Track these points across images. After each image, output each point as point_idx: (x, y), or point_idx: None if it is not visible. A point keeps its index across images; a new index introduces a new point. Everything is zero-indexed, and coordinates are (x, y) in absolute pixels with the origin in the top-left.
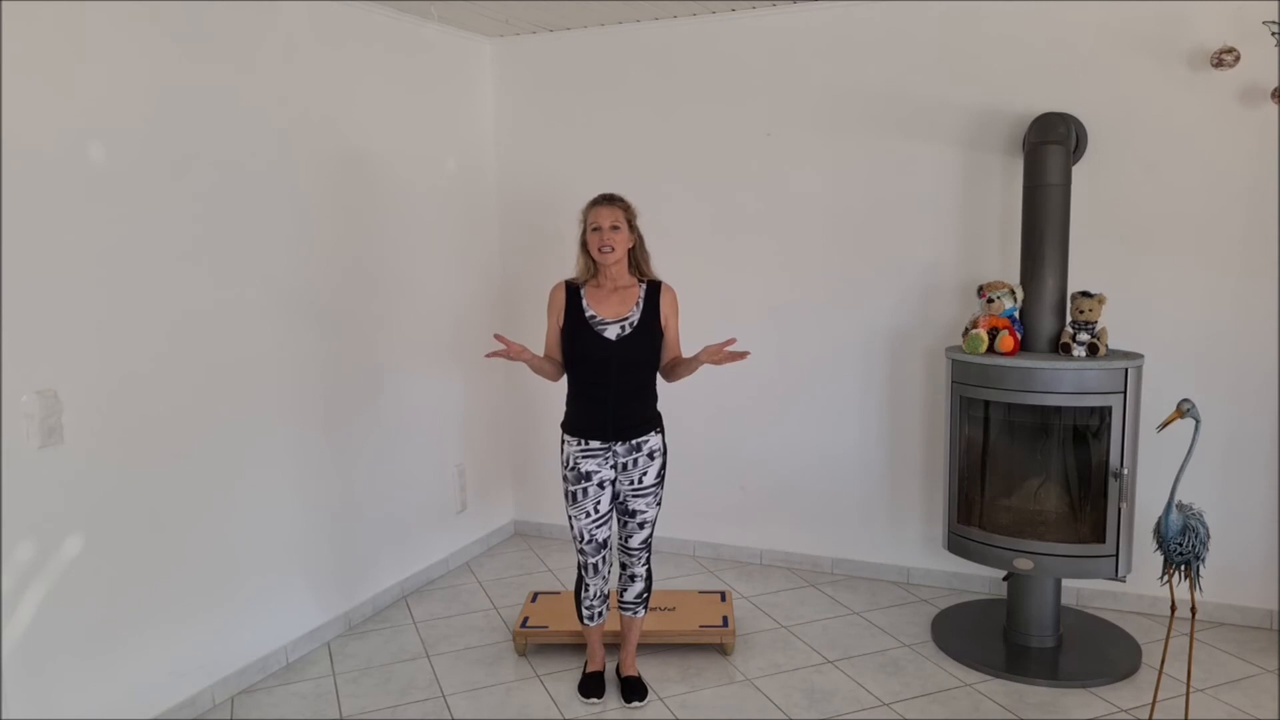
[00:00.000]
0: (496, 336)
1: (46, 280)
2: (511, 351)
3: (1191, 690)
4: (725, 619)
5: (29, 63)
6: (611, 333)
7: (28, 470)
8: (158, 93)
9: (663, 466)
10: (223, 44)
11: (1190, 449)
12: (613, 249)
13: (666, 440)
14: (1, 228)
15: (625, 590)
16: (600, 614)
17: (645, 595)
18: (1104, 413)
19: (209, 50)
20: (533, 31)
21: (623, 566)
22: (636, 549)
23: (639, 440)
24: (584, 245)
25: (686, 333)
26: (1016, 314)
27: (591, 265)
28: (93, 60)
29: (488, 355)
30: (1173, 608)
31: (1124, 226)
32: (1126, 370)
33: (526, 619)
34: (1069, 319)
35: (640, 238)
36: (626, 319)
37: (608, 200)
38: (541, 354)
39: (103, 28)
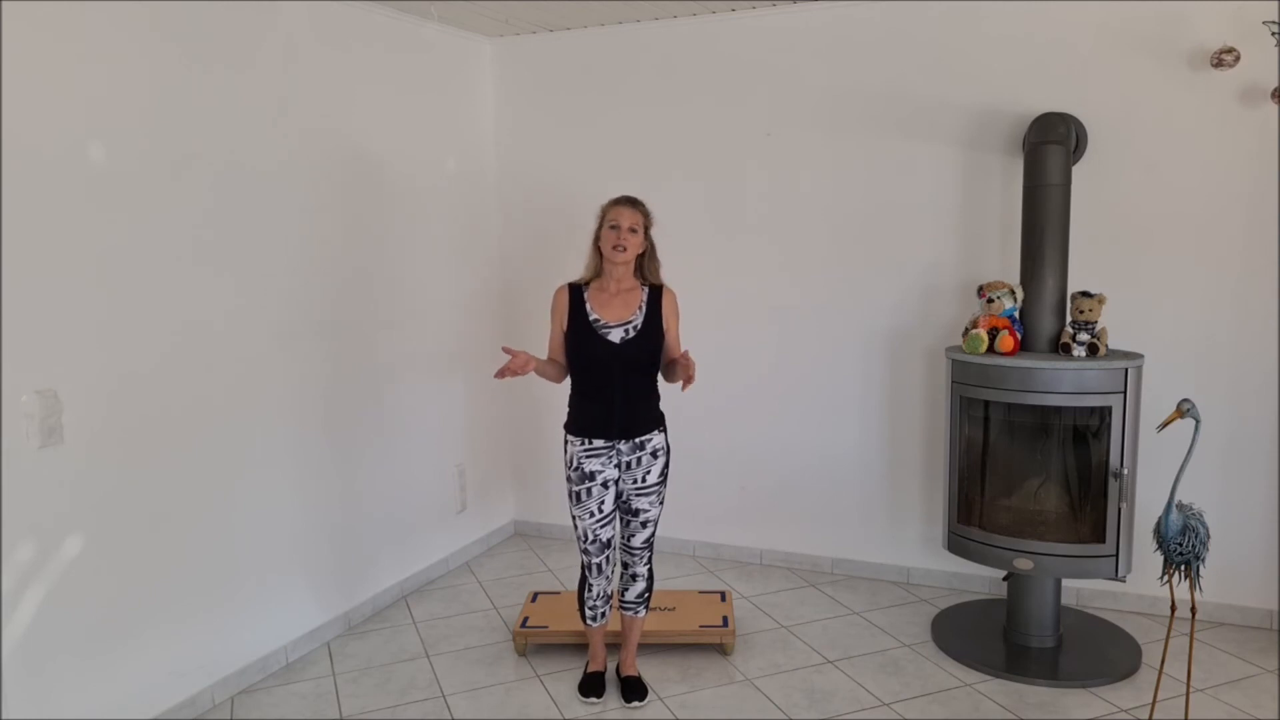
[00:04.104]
0: (505, 349)
1: (46, 280)
2: (517, 364)
3: (1191, 690)
4: (725, 619)
5: (29, 63)
6: (615, 336)
7: (28, 470)
8: (158, 93)
9: (666, 465)
10: (223, 44)
11: (1190, 449)
12: (625, 249)
13: (670, 440)
14: (1, 228)
15: (626, 590)
16: (603, 614)
17: (646, 595)
18: (1104, 413)
19: (209, 50)
20: (533, 31)
21: (624, 566)
22: (639, 548)
23: (643, 439)
24: (595, 241)
25: (689, 332)
26: (1016, 314)
27: (599, 263)
28: (93, 60)
29: (497, 375)
30: (1173, 608)
31: (1124, 226)
32: (1126, 370)
33: (526, 619)
34: (1069, 319)
35: (652, 245)
36: (630, 322)
37: (630, 202)
38: (544, 357)
39: (103, 28)
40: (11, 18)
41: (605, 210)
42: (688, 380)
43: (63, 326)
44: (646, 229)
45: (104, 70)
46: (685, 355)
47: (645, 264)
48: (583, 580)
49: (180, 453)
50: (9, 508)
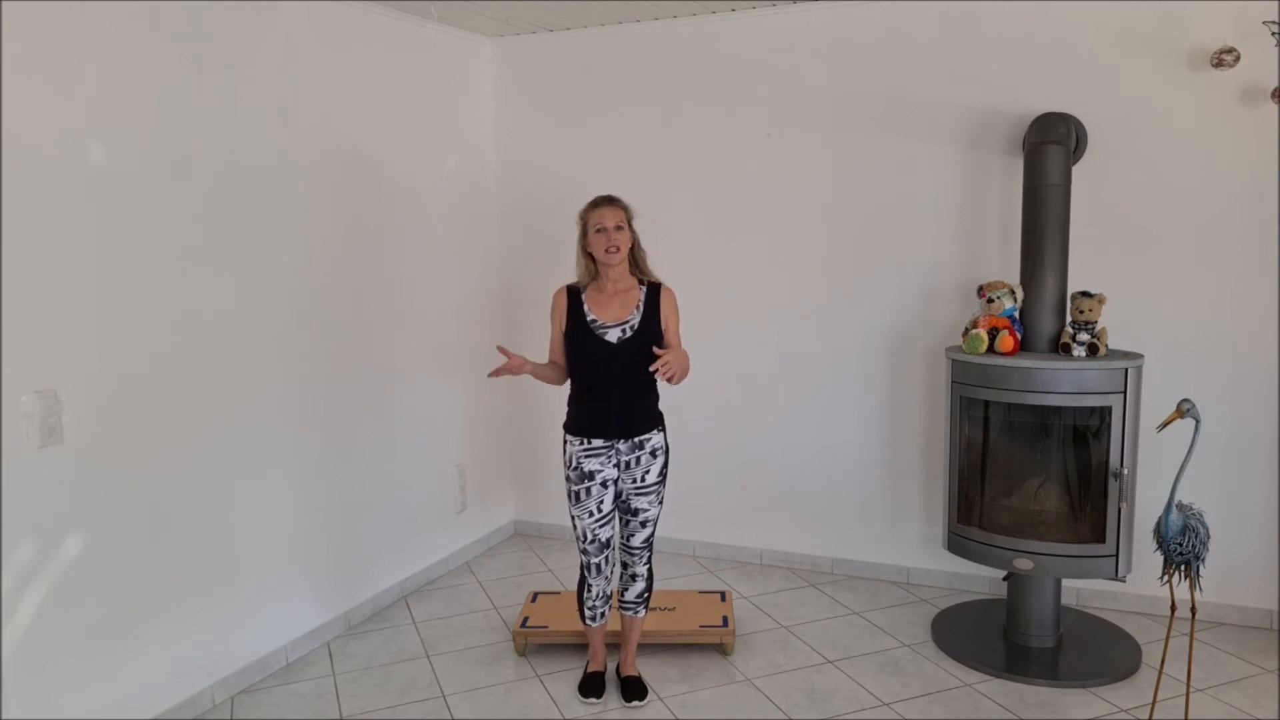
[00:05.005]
0: (500, 349)
1: (46, 280)
2: (513, 365)
3: (1191, 690)
4: (725, 619)
5: (29, 63)
6: (613, 336)
7: (28, 470)
8: (158, 93)
9: (665, 465)
10: (222, 44)
11: (1190, 449)
12: (618, 249)
13: (669, 439)
14: (1, 228)
15: (626, 590)
16: (603, 614)
17: (646, 595)
18: (1104, 413)
19: (209, 50)
20: (533, 31)
21: (624, 566)
22: (638, 548)
23: (641, 438)
24: (584, 248)
25: (688, 333)
26: (1016, 314)
27: (592, 268)
28: (93, 60)
29: (491, 374)
30: (1173, 608)
31: (1124, 226)
32: (1126, 370)
33: (526, 619)
34: (1069, 319)
35: (637, 237)
36: (627, 322)
37: (609, 201)
38: (546, 359)
39: (103, 28)
40: (11, 18)
41: (586, 215)
42: (669, 376)
43: (63, 326)
44: (629, 222)
45: (104, 70)
46: (662, 354)
47: (635, 256)
48: (582, 580)
49: (180, 452)
50: (9, 508)
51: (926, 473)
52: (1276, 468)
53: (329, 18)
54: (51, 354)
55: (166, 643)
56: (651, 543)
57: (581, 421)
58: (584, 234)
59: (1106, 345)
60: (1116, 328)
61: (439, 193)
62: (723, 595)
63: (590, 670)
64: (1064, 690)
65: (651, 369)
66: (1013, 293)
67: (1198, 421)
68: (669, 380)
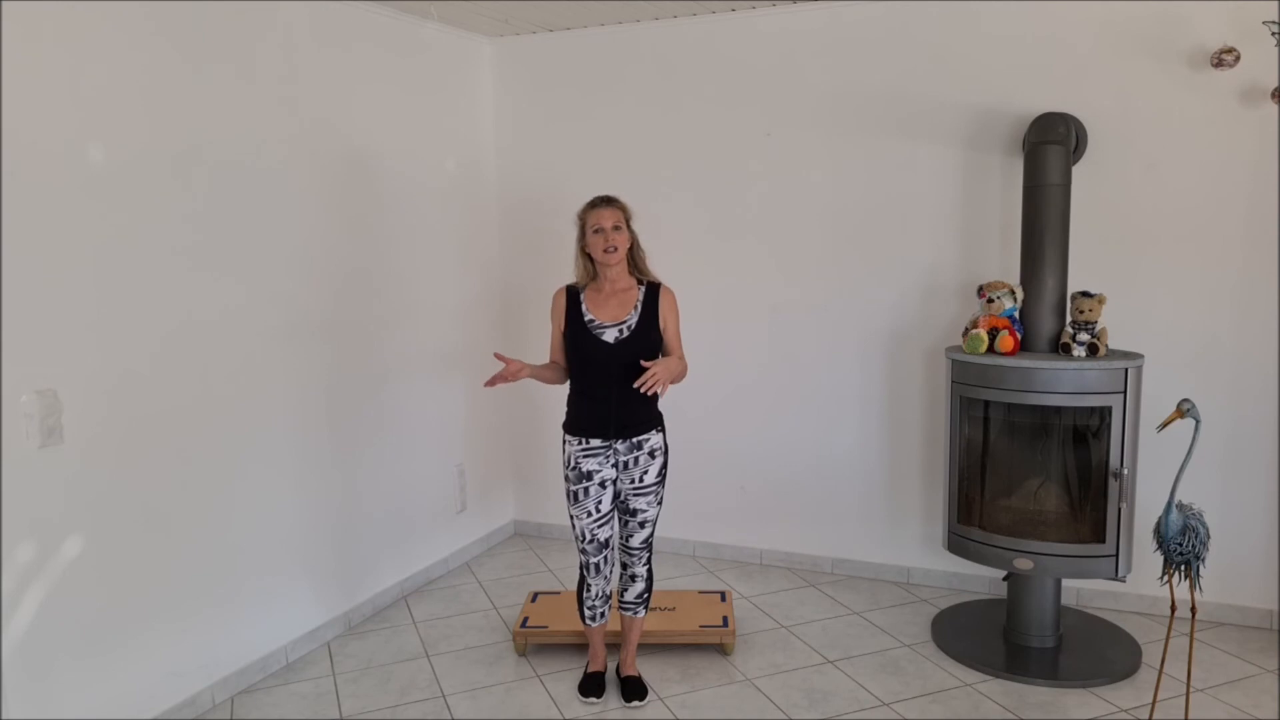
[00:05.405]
0: (497, 355)
1: (46, 280)
2: (510, 371)
3: (1191, 690)
4: (725, 619)
5: (29, 62)
6: (610, 336)
7: (28, 470)
8: (157, 92)
9: (664, 465)
10: (221, 43)
11: (1190, 449)
12: (616, 249)
13: (668, 440)
14: (1, 228)
15: (626, 590)
16: (602, 614)
17: (646, 595)
18: (1104, 413)
19: (208, 50)
20: (533, 31)
21: (623, 566)
22: (637, 549)
23: (640, 438)
24: (582, 248)
25: (690, 332)
26: (1016, 314)
27: (591, 268)
28: (92, 60)
29: (487, 383)
30: (1173, 608)
31: (1124, 226)
32: (1126, 370)
33: (526, 619)
34: (1069, 319)
35: (635, 237)
36: (624, 322)
37: (607, 201)
38: (547, 359)
39: (102, 28)
40: (11, 18)
41: (584, 216)
42: (654, 384)
43: (62, 326)
44: (627, 221)
45: (103, 69)
46: (650, 366)
47: (634, 257)
48: (581, 580)
49: (180, 453)
50: (9, 508)
51: (926, 473)
52: (1276, 468)
53: (329, 17)
54: (51, 354)
55: (166, 642)
56: (651, 543)
57: (580, 421)
58: (582, 234)
59: (1106, 345)
60: (1116, 328)
61: (439, 193)
62: (723, 595)
63: (590, 670)
64: (1064, 690)
65: (636, 385)
66: (1013, 293)
67: (1198, 421)
68: (659, 393)
